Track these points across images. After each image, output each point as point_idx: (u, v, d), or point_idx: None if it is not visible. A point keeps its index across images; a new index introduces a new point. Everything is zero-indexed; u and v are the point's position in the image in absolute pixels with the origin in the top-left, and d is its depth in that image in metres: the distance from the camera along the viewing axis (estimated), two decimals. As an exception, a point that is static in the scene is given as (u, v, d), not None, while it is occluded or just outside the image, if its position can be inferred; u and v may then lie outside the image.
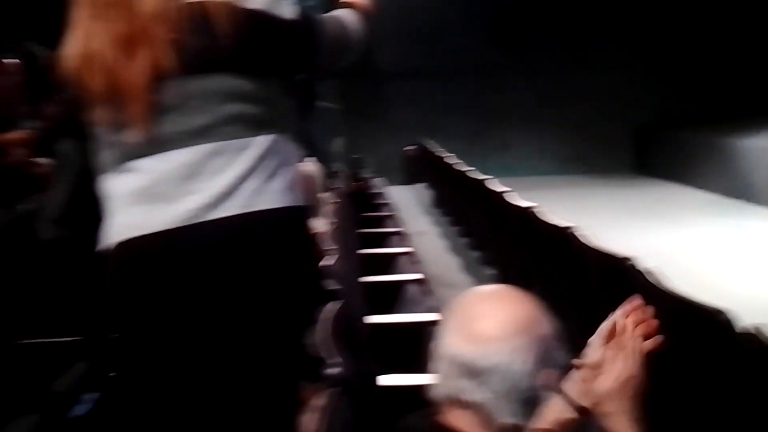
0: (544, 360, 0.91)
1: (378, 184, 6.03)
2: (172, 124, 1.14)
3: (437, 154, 6.61)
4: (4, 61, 3.44)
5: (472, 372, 0.90)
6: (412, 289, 2.62)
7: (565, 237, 2.34)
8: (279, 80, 1.22)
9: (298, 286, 1.21)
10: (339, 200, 3.37)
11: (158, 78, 1.13)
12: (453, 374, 0.92)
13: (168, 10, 1.14)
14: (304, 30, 1.23)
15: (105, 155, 1.19)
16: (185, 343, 1.17)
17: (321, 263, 1.50)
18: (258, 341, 1.18)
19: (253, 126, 1.17)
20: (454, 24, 9.59)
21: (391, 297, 2.62)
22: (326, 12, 1.33)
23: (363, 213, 4.53)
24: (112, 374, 1.39)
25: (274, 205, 1.16)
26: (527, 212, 2.88)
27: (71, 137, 1.26)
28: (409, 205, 6.62)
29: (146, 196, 1.15)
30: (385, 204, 4.92)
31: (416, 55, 9.55)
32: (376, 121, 9.35)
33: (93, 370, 1.46)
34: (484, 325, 0.92)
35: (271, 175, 1.17)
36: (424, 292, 2.56)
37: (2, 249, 1.65)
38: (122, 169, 1.17)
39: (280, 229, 1.17)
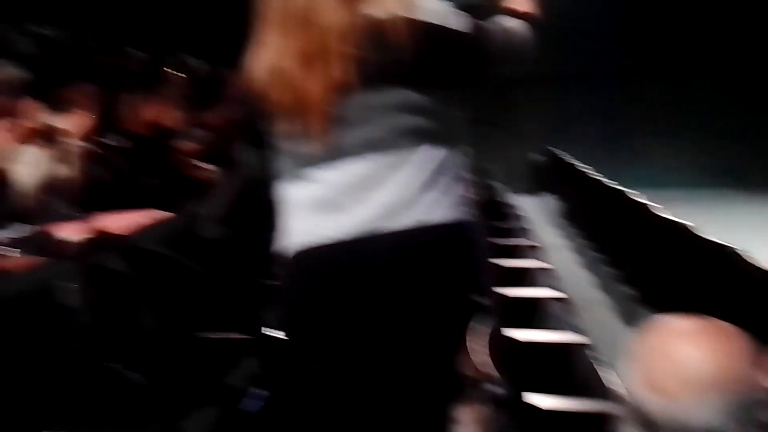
0: (741, 420, 0.76)
1: (505, 193, 5.92)
2: (348, 136, 1.18)
3: (570, 163, 6.38)
4: (170, 73, 3.77)
5: (650, 424, 0.79)
6: (552, 306, 2.54)
7: (730, 258, 2.16)
8: (451, 93, 1.22)
9: (466, 300, 1.20)
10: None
11: (337, 91, 1.18)
12: (629, 417, 0.82)
13: (348, 27, 1.18)
14: (475, 42, 1.23)
15: (283, 164, 1.25)
16: (353, 348, 1.20)
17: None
18: (422, 350, 1.19)
19: (427, 139, 1.18)
20: (586, 27, 9.20)
21: (527, 312, 2.55)
22: (490, 20, 1.31)
23: (491, 223, 4.46)
24: (279, 373, 1.45)
25: (449, 219, 1.16)
26: (681, 229, 2.69)
27: (249, 145, 1.34)
28: (536, 215, 6.44)
29: (322, 205, 1.19)
30: (515, 215, 4.81)
31: (545, 61, 9.24)
32: (503, 129, 9.19)
33: (262, 367, 1.54)
34: (669, 371, 0.78)
35: (446, 189, 1.17)
36: (566, 311, 2.46)
37: (176, 248, 1.79)
38: (300, 177, 1.22)
39: (454, 242, 1.18)
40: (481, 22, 1.27)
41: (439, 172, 1.18)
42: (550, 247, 4.78)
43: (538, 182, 8.24)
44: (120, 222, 2.08)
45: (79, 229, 2.04)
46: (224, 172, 2.79)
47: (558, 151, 7.60)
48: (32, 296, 1.29)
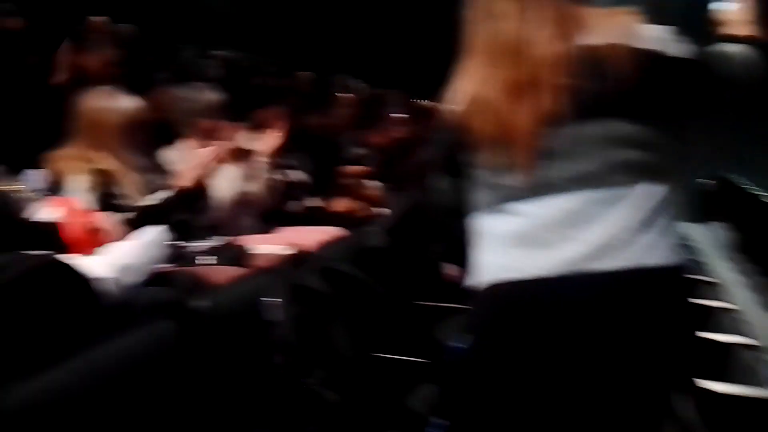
0: None
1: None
2: (556, 169, 1.14)
3: (747, 190, 5.78)
4: (341, 95, 3.95)
5: None
6: (742, 354, 2.28)
7: None
8: (671, 125, 1.14)
9: (679, 350, 1.10)
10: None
11: (547, 123, 1.14)
12: None
13: (561, 56, 1.14)
14: (698, 69, 1.14)
15: (482, 195, 1.23)
16: (547, 389, 1.14)
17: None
18: (626, 402, 1.10)
19: (645, 175, 1.11)
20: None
21: (717, 359, 2.31)
22: (711, 46, 1.22)
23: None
24: (460, 403, 1.43)
25: (667, 263, 1.08)
26: None
27: (443, 173, 1.34)
28: (706, 247, 5.89)
29: (524, 240, 1.15)
30: (685, 245, 4.43)
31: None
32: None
33: (440, 395, 1.53)
34: None
35: (664, 229, 1.09)
36: (758, 360, 2.21)
37: (358, 267, 1.84)
38: (500, 210, 1.19)
39: (673, 288, 1.09)
40: (703, 48, 1.18)
41: (657, 211, 1.10)
42: (726, 284, 4.34)
43: (707, 210, 7.56)
44: (304, 237, 2.19)
45: (267, 241, 2.19)
46: (393, 192, 2.87)
47: (731, 177, 6.91)
48: (239, 309, 1.38)
